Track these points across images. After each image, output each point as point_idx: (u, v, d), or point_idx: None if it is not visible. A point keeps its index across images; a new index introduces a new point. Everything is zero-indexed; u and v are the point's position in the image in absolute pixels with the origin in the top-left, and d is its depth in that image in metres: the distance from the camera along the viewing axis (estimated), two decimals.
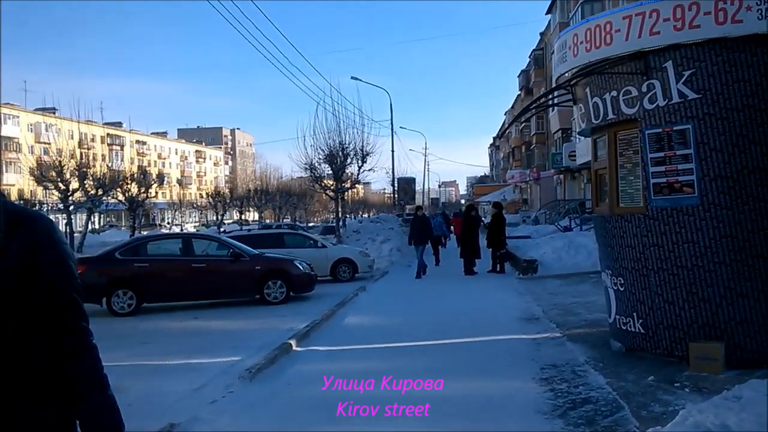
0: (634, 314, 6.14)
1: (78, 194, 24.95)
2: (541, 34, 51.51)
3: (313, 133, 21.03)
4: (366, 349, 7.65)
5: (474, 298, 11.50)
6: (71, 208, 25.55)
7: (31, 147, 56.30)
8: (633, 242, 6.06)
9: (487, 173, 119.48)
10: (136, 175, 30.25)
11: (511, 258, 15.58)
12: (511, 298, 11.12)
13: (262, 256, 12.75)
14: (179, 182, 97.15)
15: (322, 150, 21.08)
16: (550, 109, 43.87)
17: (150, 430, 4.72)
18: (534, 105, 7.17)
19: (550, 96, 7.66)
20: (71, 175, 24.46)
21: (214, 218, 61.47)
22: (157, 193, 46.69)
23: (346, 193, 24.54)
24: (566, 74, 6.43)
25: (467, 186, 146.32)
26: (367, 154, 21.90)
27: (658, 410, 4.58)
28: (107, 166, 27.41)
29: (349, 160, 21.37)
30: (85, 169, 24.87)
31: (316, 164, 21.47)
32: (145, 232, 31.26)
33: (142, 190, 29.74)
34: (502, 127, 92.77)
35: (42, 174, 24.47)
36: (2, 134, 70.72)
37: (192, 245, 12.64)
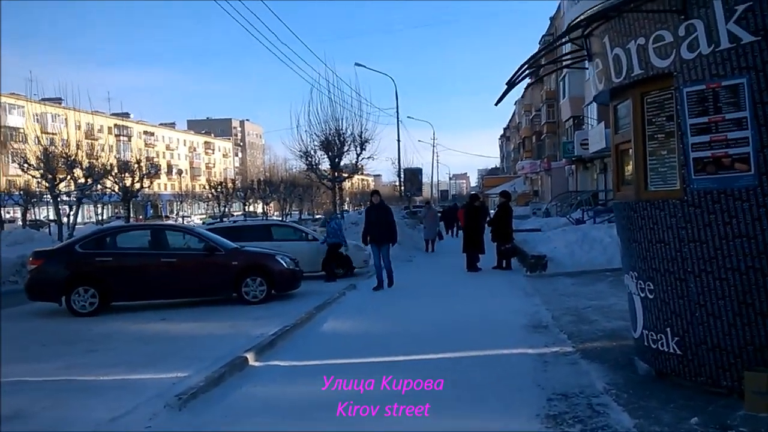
0: (668, 330, 4.80)
1: (64, 184, 23.83)
2: (551, 18, 49.75)
3: (308, 119, 19.72)
4: (335, 365, 6.35)
5: (474, 300, 10.18)
6: (60, 198, 24.46)
7: (37, 138, 55.63)
8: (666, 236, 4.72)
9: (498, 165, 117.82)
10: (130, 165, 29.10)
11: (517, 253, 14.23)
12: (517, 300, 9.78)
13: (239, 250, 11.50)
14: (179, 173, 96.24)
15: (317, 136, 19.79)
16: (562, 95, 42.25)
17: None
18: (535, 61, 5.78)
19: (558, 53, 6.28)
20: (58, 165, 23.35)
21: (223, 210, 60.50)
22: (154, 184, 45.39)
23: (345, 182, 23.19)
24: (579, 22, 5.05)
25: (478, 178, 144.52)
26: (366, 141, 20.58)
27: None
28: (92, 155, 26.23)
29: (346, 148, 20.06)
30: (72, 158, 23.74)
31: (312, 152, 20.19)
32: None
33: (136, 180, 28.61)
34: (512, 118, 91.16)
35: (27, 163, 23.36)
36: (7, 124, 70.13)
37: (162, 237, 11.37)
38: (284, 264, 11.50)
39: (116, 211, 72.11)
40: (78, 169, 24.45)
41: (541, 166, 52.41)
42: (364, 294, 11.45)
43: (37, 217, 55.25)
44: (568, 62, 6.09)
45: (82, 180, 24.40)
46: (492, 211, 25.39)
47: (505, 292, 10.71)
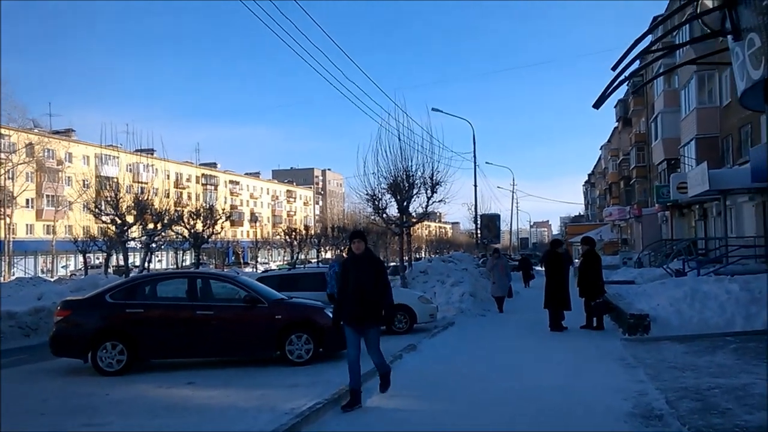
0: None
1: (134, 230, 23.72)
2: (639, 56, 47.01)
3: (375, 159, 18.45)
4: None
5: (560, 370, 8.22)
6: (129, 243, 24.38)
7: (129, 186, 57.89)
8: None
9: (581, 212, 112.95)
10: (201, 211, 28.95)
11: (611, 310, 12.07)
12: (615, 374, 7.74)
13: (284, 303, 10.11)
14: (254, 220, 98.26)
15: (385, 178, 18.42)
16: (653, 137, 39.28)
17: None
18: (648, 47, 4.09)
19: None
20: (128, 210, 23.29)
21: (297, 256, 60.36)
22: (237, 230, 45.56)
23: (417, 229, 21.60)
24: None
25: (560, 226, 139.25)
26: (437, 184, 19.00)
27: None
28: (168, 201, 26.29)
29: (415, 190, 18.56)
30: (143, 204, 23.68)
31: (379, 195, 18.83)
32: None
33: (207, 226, 28.33)
34: (597, 163, 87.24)
35: (98, 208, 23.39)
36: (102, 174, 73.81)
37: (199, 287, 10.18)
38: None
39: (199, 258, 73.62)
40: (148, 214, 24.39)
41: (630, 212, 48.83)
42: (425, 357, 9.69)
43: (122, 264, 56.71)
44: (689, 47, 4.36)
45: (151, 225, 24.28)
46: (576, 261, 23.03)
47: (599, 362, 8.67)
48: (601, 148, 79.21)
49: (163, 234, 25.63)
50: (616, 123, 60.97)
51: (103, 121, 66.50)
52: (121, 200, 23.13)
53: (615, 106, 59.98)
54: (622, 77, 4.01)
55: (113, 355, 9.31)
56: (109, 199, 23.37)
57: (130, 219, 23.62)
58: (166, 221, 25.27)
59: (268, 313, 9.75)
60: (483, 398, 6.79)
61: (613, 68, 3.96)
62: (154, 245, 27.13)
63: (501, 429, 5.56)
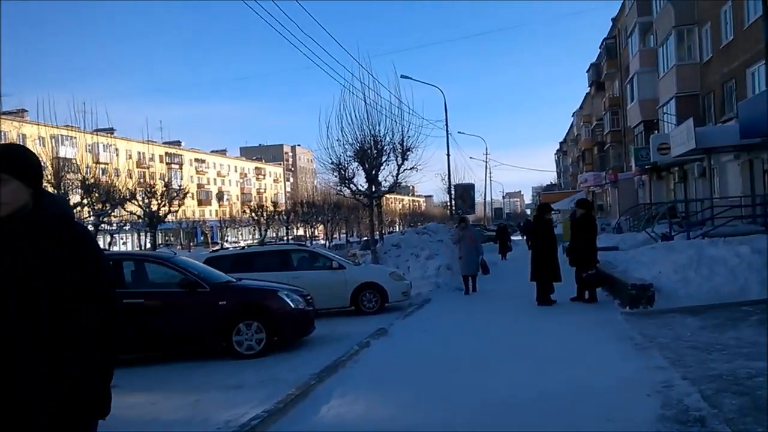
0: None
1: (79, 210, 21.78)
2: (614, 20, 45.78)
3: (340, 125, 16.82)
4: None
5: (559, 356, 6.84)
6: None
7: (89, 167, 54.93)
8: None
9: (553, 181, 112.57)
10: (154, 189, 27.06)
11: (605, 282, 10.79)
12: (626, 358, 6.37)
13: (230, 286, 8.60)
14: (219, 198, 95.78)
15: (351, 144, 16.85)
16: (629, 99, 38.20)
17: None
18: None
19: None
20: (72, 189, 21.38)
21: (264, 234, 58.57)
22: (205, 210, 43.50)
23: (389, 201, 20.12)
24: None
25: (533, 195, 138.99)
26: (408, 149, 17.48)
27: None
28: (119, 179, 24.37)
29: (384, 157, 17.03)
30: (88, 182, 21.76)
31: (345, 163, 17.25)
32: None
33: (163, 204, 26.49)
34: (570, 130, 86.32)
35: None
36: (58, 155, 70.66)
37: (130, 270, 8.61)
38: (290, 303, 8.54)
39: (166, 238, 71.12)
40: (95, 193, 22.51)
41: (606, 177, 47.97)
42: (396, 344, 8.22)
43: None
44: None
45: (99, 206, 22.42)
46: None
47: (601, 342, 7.31)
48: (573, 115, 78.31)
49: (112, 214, 23.75)
50: (589, 88, 59.89)
51: (46, 98, 62.38)
52: (63, 179, 21.22)
53: (587, 71, 58.77)
54: None
55: None
56: (50, 177, 21.41)
57: (76, 198, 21.75)
58: (116, 200, 23.43)
59: (210, 299, 8.25)
60: (460, 401, 5.36)
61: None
62: (107, 226, 25.24)
63: None
